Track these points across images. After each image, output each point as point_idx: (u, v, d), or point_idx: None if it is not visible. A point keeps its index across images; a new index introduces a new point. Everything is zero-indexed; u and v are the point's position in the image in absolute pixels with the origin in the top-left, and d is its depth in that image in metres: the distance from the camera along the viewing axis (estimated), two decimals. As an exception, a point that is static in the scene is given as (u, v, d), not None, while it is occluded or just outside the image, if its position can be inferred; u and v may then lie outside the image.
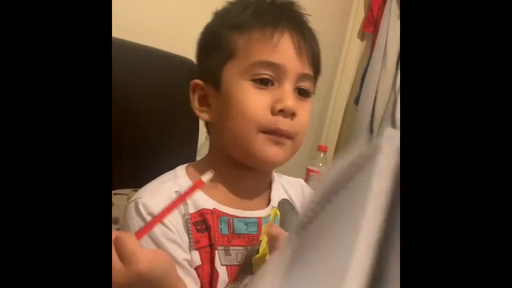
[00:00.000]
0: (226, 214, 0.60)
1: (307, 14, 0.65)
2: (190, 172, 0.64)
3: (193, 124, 1.07)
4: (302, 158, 1.44)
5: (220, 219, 0.60)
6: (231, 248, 0.59)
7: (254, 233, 0.61)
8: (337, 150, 2.05)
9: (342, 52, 1.99)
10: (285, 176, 0.72)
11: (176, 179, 0.61)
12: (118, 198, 0.75)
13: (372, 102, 1.80)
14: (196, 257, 0.58)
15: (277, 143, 0.58)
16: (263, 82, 0.58)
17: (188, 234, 0.58)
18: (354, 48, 2.00)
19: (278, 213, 0.65)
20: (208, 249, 0.58)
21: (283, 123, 0.58)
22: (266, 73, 0.57)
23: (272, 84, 0.58)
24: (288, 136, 0.59)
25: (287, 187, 0.70)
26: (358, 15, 1.98)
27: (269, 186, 0.67)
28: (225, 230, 0.60)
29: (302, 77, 0.60)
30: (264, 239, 0.61)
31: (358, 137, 1.83)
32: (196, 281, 0.57)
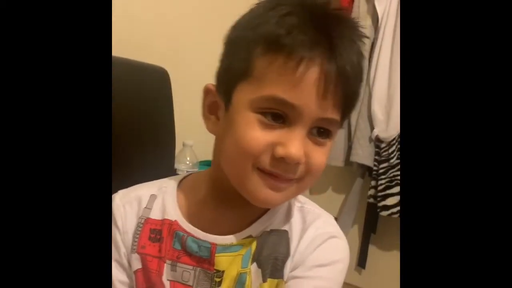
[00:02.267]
0: (183, 230, 0.57)
1: (364, 36, 0.53)
2: (186, 183, 0.62)
3: (170, 131, 1.07)
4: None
5: (175, 233, 0.57)
6: (178, 264, 0.56)
7: (205, 257, 0.56)
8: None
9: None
10: (308, 205, 0.61)
11: (164, 184, 0.61)
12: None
13: (348, 98, 1.82)
14: (135, 260, 0.57)
15: (274, 188, 0.51)
16: (275, 118, 0.49)
17: (134, 237, 0.58)
18: (327, 45, 2.02)
19: (254, 245, 0.56)
20: (156, 260, 0.57)
21: (285, 170, 0.50)
22: (278, 109, 0.49)
23: (284, 122, 0.49)
24: (291, 181, 0.52)
25: (297, 217, 0.59)
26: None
27: (265, 211, 0.58)
28: (177, 245, 0.57)
29: (321, 121, 0.50)
30: (230, 274, 0.56)
31: (337, 133, 1.84)
32: (116, 284, 0.57)
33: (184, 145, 1.24)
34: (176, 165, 1.16)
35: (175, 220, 0.57)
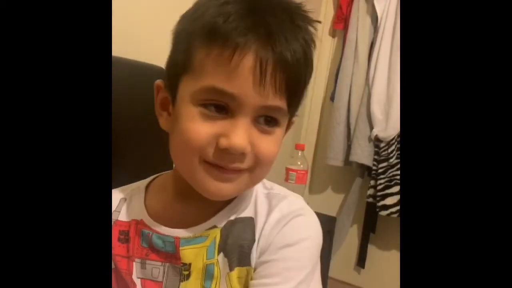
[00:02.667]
0: (148, 228, 0.57)
1: (313, 21, 0.54)
2: (154, 183, 0.64)
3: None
4: (280, 158, 1.43)
5: (141, 232, 0.58)
6: (147, 261, 0.57)
7: (171, 252, 0.56)
8: (317, 147, 2.06)
9: (315, 51, 2.01)
10: (275, 190, 0.60)
11: (133, 187, 0.63)
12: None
13: (347, 98, 1.82)
14: None
15: (223, 179, 0.52)
16: (218, 109, 0.49)
17: None
18: (326, 45, 2.02)
19: (219, 235, 0.56)
20: (125, 259, 0.58)
21: (231, 161, 0.50)
22: (219, 100, 0.49)
23: (227, 112, 0.50)
24: (241, 171, 0.52)
25: (262, 203, 0.58)
26: (328, 13, 2.00)
27: (230, 202, 0.58)
28: (145, 243, 0.57)
29: (264, 109, 0.50)
30: (196, 266, 0.56)
31: (336, 133, 1.84)
32: None
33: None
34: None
35: (141, 219, 0.58)
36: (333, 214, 1.92)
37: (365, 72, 1.79)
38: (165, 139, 1.06)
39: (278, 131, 0.53)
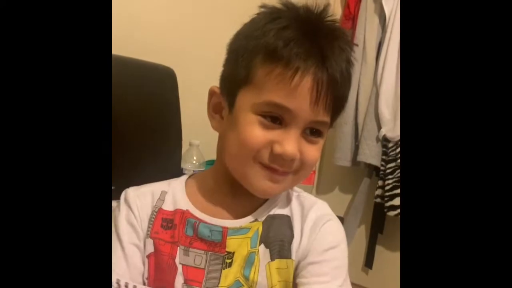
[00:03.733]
0: (195, 217, 0.62)
1: (353, 45, 0.61)
2: (192, 180, 0.68)
3: (177, 131, 1.07)
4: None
5: (188, 221, 0.62)
6: (190, 249, 0.61)
7: (217, 241, 0.61)
8: (324, 147, 2.06)
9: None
10: (303, 193, 0.68)
11: (172, 182, 0.68)
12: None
13: (355, 98, 1.82)
14: (149, 245, 0.62)
15: (273, 179, 0.59)
16: (273, 119, 0.57)
17: (149, 224, 0.63)
18: (334, 45, 2.01)
19: (261, 228, 0.62)
20: (169, 244, 0.61)
21: (282, 165, 0.58)
22: (276, 113, 0.56)
23: (281, 123, 0.57)
24: (288, 174, 0.59)
25: (295, 204, 0.65)
26: (335, 11, 1.99)
27: (266, 199, 0.65)
28: (189, 232, 0.62)
29: (313, 123, 0.58)
30: (240, 254, 0.60)
31: (343, 133, 1.84)
32: (131, 268, 0.60)
33: (190, 144, 1.24)
34: (183, 165, 1.16)
35: (187, 210, 0.63)
36: (341, 214, 1.92)
37: (373, 72, 1.78)
38: (167, 137, 1.06)
39: (321, 141, 0.61)
